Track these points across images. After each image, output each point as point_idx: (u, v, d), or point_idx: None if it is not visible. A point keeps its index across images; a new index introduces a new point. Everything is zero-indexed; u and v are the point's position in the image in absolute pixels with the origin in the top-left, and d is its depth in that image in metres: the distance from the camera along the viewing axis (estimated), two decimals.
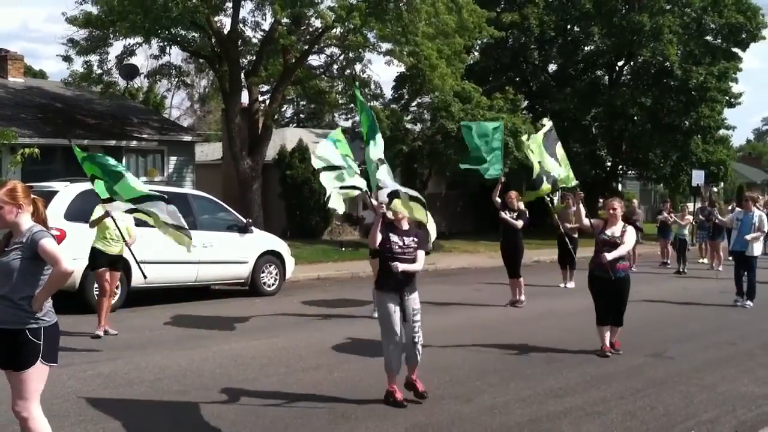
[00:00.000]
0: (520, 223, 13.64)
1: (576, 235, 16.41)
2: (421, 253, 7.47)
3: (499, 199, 13.85)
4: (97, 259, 10.71)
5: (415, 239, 7.45)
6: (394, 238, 7.40)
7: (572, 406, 7.27)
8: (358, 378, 8.30)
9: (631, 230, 9.46)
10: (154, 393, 7.52)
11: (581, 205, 9.93)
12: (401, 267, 7.24)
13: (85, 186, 12.73)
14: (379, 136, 7.75)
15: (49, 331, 4.90)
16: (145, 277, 10.60)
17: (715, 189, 40.41)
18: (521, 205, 13.88)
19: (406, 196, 7.37)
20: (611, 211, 9.50)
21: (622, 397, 7.65)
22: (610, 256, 9.15)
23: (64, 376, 7.71)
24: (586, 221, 9.75)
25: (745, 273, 14.00)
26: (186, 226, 9.14)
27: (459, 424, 6.67)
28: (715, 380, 8.43)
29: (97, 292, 10.93)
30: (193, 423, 6.59)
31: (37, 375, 4.87)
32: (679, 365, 9.13)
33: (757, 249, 14.00)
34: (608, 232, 9.37)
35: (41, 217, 5.07)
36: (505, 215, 13.74)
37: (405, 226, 7.52)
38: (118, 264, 10.92)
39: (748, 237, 13.62)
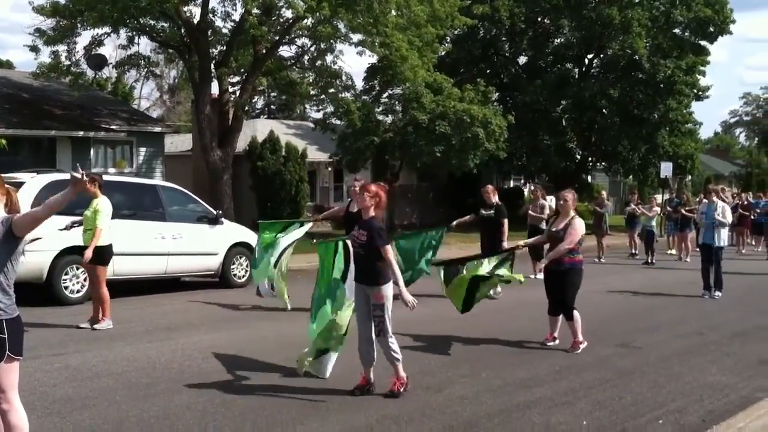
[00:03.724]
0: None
1: (543, 225, 16.52)
2: (383, 248, 6.86)
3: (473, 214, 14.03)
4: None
5: (365, 232, 6.95)
6: (354, 230, 7.18)
7: (542, 397, 7.31)
8: None
9: (576, 224, 9.25)
10: (122, 385, 7.44)
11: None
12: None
13: (52, 177, 12.57)
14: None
15: (11, 323, 4.81)
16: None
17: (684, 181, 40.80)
18: (497, 200, 13.91)
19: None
20: (561, 203, 9.55)
21: (590, 387, 7.71)
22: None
23: (31, 368, 7.62)
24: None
25: (712, 266, 14.20)
26: None
27: (430, 414, 6.68)
28: (682, 370, 8.53)
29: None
30: (162, 415, 6.54)
31: (8, 368, 4.80)
32: (647, 355, 9.22)
33: (723, 240, 14.22)
34: (553, 227, 9.47)
35: (15, 208, 4.99)
36: (484, 212, 13.83)
37: (367, 214, 7.08)
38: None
39: (718, 215, 13.79)
